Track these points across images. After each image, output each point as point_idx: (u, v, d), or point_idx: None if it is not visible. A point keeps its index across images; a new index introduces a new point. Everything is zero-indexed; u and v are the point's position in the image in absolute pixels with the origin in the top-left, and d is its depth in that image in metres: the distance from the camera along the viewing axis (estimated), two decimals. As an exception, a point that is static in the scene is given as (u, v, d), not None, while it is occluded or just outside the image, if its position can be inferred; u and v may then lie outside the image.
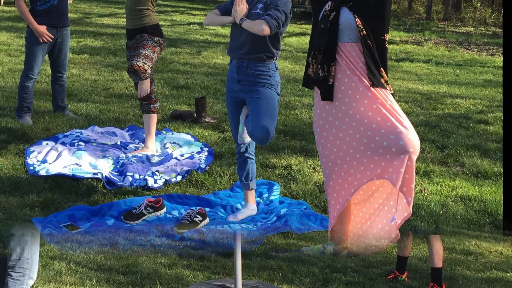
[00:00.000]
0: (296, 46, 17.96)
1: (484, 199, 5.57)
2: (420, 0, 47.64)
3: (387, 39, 3.89)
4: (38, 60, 7.05)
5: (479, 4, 39.70)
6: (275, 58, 4.68)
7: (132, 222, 4.71)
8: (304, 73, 4.14)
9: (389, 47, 18.32)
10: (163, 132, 7.02)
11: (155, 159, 6.10)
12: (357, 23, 3.78)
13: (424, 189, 5.73)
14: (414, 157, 3.70)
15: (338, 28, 3.84)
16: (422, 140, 6.97)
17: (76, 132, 6.70)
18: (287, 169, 6.10)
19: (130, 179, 5.51)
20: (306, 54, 4.10)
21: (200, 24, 21.08)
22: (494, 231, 4.92)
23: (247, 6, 4.60)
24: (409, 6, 42.38)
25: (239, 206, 5.18)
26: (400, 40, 22.29)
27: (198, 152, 6.38)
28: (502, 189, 5.59)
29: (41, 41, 6.94)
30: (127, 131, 7.03)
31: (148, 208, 4.83)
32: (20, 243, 3.49)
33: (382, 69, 3.86)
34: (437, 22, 33.17)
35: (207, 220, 4.77)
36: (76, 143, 6.35)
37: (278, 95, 4.74)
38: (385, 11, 3.81)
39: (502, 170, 6.19)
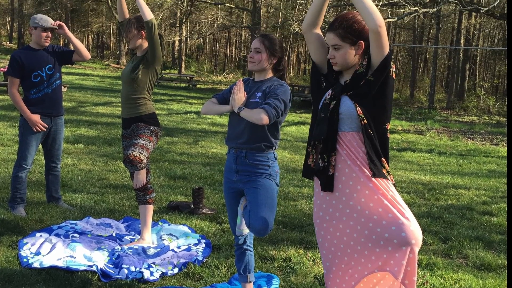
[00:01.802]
0: (295, 135, 18.19)
1: (488, 292, 5.60)
2: (422, 89, 48.44)
3: (388, 128, 3.90)
4: (31, 150, 7.14)
5: (482, 93, 40.31)
6: (274, 148, 4.68)
7: (127, 316, 4.73)
8: (303, 163, 4.09)
9: (391, 136, 18.57)
10: (160, 223, 7.09)
11: (151, 251, 6.15)
12: (358, 112, 3.79)
13: (427, 282, 5.75)
14: (416, 249, 3.66)
15: (338, 117, 3.85)
16: (424, 231, 7.07)
17: (70, 224, 6.77)
18: (286, 261, 6.12)
19: (126, 271, 5.54)
20: (306, 144, 4.15)
21: (197, 113, 21.42)
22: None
23: (245, 95, 4.61)
24: (411, 94, 43.06)
25: (237, 299, 5.20)
26: (402, 129, 22.58)
27: (195, 244, 6.43)
28: (506, 282, 5.63)
29: (35, 130, 7.05)
30: (122, 223, 7.10)
31: (144, 301, 4.87)
32: None
33: (383, 159, 3.84)
34: (440, 111, 33.69)
35: (204, 314, 4.80)
36: (71, 235, 6.40)
37: (277, 185, 4.71)
38: (386, 100, 3.82)
39: (506, 262, 6.25)
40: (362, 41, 3.85)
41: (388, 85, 3.81)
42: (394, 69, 3.82)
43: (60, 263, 5.57)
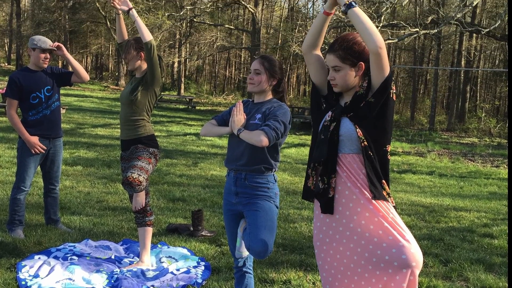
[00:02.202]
0: (295, 157, 18.19)
1: (489, 315, 5.59)
2: (423, 110, 48.51)
3: (389, 150, 3.90)
4: (30, 172, 7.13)
5: (483, 115, 40.34)
6: (273, 169, 4.67)
7: None
8: (303, 185, 4.10)
9: (391, 158, 18.53)
10: (159, 245, 7.09)
11: (150, 274, 6.14)
12: (358, 134, 3.79)
13: (428, 305, 5.76)
14: (417, 272, 3.65)
15: (338, 139, 3.85)
16: (425, 254, 7.07)
17: (69, 246, 6.77)
18: (286, 284, 6.10)
19: (125, 294, 5.55)
20: (306, 166, 4.16)
21: (196, 134, 21.45)
22: None
23: (245, 116, 4.62)
24: (412, 116, 43.13)
25: (237, 322, 5.19)
26: (402, 151, 22.58)
27: (194, 267, 6.42)
28: (508, 305, 5.63)
29: (33, 152, 7.03)
30: (121, 245, 7.09)
31: (143, 324, 4.86)
32: None
33: (383, 181, 3.85)
34: (441, 133, 33.72)
35: (204, 337, 4.79)
36: (69, 257, 6.40)
37: (277, 207, 4.71)
38: (387, 121, 3.82)
39: (507, 285, 6.25)
40: (362, 63, 3.86)
41: (388, 106, 3.81)
42: (394, 91, 3.80)
43: (58, 286, 5.57)
